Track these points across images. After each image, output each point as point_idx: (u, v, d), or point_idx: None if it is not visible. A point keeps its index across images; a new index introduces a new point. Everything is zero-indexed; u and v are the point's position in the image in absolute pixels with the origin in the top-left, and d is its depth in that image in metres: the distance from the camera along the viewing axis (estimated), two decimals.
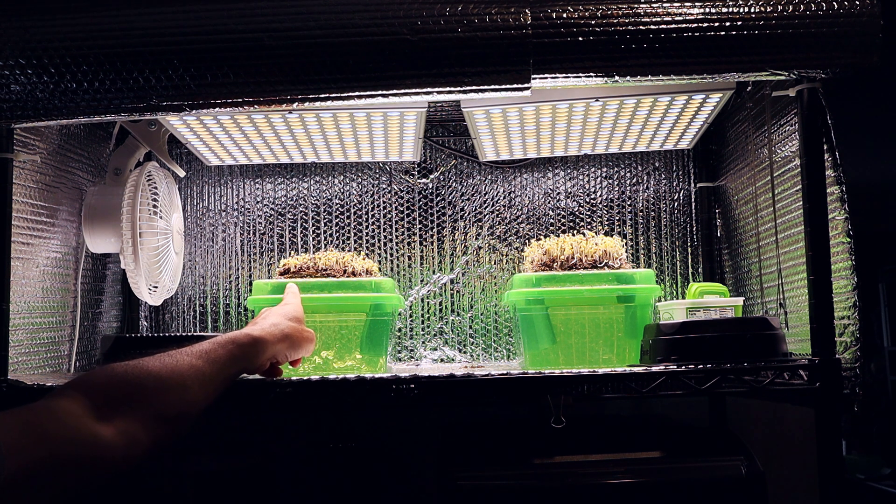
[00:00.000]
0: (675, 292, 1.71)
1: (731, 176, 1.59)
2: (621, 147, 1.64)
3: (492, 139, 1.55)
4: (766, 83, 1.31)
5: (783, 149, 1.30)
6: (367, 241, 1.73)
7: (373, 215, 1.74)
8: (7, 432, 0.72)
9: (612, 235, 1.62)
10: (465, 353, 1.71)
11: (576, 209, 1.74)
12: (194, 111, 1.11)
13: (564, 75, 1.09)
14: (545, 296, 1.33)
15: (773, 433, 1.53)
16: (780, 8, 1.06)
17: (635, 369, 1.10)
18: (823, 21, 1.05)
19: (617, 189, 1.74)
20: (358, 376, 1.10)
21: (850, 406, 1.11)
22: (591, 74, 1.09)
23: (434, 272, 1.73)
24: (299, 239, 1.74)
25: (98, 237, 1.42)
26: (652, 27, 1.06)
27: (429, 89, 1.09)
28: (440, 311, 1.72)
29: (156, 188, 1.46)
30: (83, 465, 0.78)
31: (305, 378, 1.10)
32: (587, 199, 1.74)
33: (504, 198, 1.74)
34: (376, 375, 1.11)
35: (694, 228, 1.72)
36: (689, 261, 1.72)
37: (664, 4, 1.06)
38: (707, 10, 1.06)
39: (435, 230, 1.73)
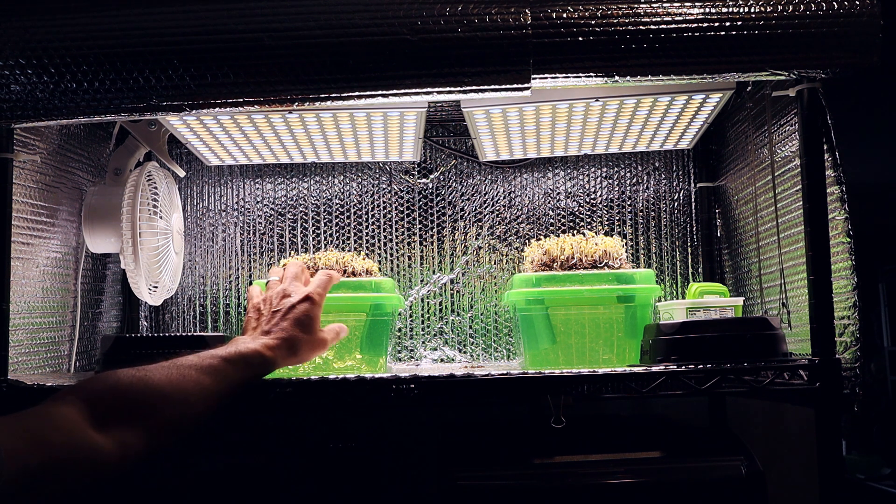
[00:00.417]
0: (675, 292, 1.71)
1: (731, 176, 1.59)
2: (621, 147, 1.64)
3: (492, 139, 1.55)
4: (766, 83, 1.31)
5: (783, 149, 1.30)
6: (367, 241, 1.73)
7: (373, 215, 1.74)
8: (7, 437, 0.72)
9: (612, 235, 1.62)
10: (465, 353, 1.71)
11: (576, 209, 1.74)
12: (194, 111, 1.11)
13: (564, 75, 1.09)
14: (545, 296, 1.33)
15: (773, 433, 1.53)
16: (780, 8, 1.06)
17: (635, 369, 1.10)
18: (823, 21, 1.05)
19: (617, 189, 1.74)
20: (358, 376, 1.10)
21: (850, 406, 1.11)
22: (591, 74, 1.09)
23: (434, 272, 1.73)
24: (299, 239, 1.74)
25: (98, 237, 1.42)
26: (652, 27, 1.06)
27: (429, 89, 1.09)
28: (440, 311, 1.72)
29: (156, 188, 1.46)
30: (79, 470, 0.79)
31: (305, 378, 1.10)
32: (587, 199, 1.74)
33: (504, 198, 1.74)
34: (376, 375, 1.11)
35: (694, 228, 1.72)
36: (689, 261, 1.72)
37: (664, 4, 1.06)
38: (707, 10, 1.06)
39: (435, 230, 1.73)
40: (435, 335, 1.71)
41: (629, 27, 1.06)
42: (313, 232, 1.74)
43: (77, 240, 1.46)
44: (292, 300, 1.12)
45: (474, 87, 1.09)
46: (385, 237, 1.73)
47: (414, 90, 1.09)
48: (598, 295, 1.32)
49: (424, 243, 1.74)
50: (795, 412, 1.45)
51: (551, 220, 1.73)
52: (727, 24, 1.06)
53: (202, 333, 1.43)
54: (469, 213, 1.74)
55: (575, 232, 1.69)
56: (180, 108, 1.10)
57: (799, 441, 1.44)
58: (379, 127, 1.46)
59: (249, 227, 1.75)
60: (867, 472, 3.87)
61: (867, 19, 1.05)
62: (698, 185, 1.71)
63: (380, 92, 1.09)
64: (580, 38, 1.06)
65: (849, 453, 4.04)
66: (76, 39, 1.06)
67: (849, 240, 1.14)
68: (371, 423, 1.61)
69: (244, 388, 1.03)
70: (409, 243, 1.74)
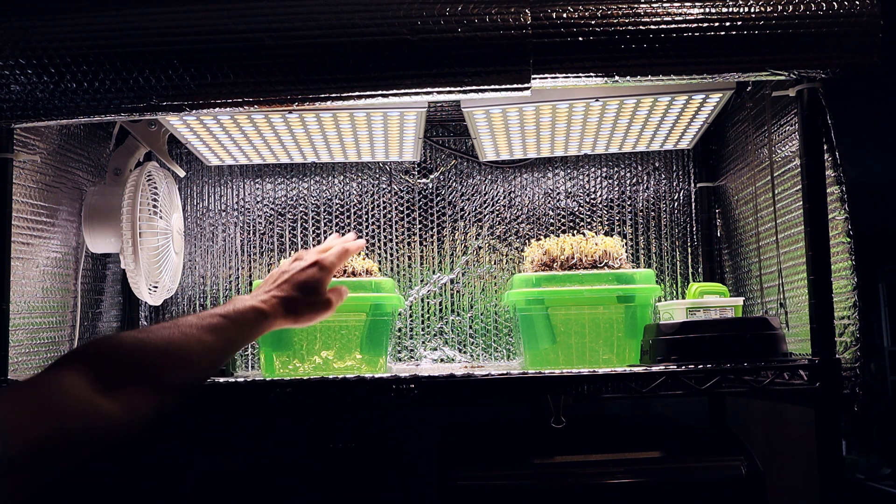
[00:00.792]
0: (675, 292, 1.71)
1: (731, 176, 1.59)
2: (621, 147, 1.64)
3: (492, 139, 1.55)
4: (766, 83, 1.31)
5: (783, 149, 1.30)
6: (367, 241, 1.73)
7: (373, 215, 1.74)
8: (10, 411, 0.72)
9: (612, 235, 1.62)
10: (465, 353, 1.71)
11: (576, 209, 1.74)
12: (194, 111, 1.11)
13: (564, 75, 1.09)
14: (545, 296, 1.33)
15: (773, 433, 1.53)
16: (780, 8, 1.06)
17: (635, 369, 1.10)
18: (823, 21, 1.05)
19: (617, 189, 1.74)
20: (358, 376, 1.10)
21: (850, 406, 1.11)
22: (591, 74, 1.09)
23: (434, 272, 1.73)
24: (299, 239, 1.74)
25: (98, 237, 1.42)
26: (652, 27, 1.06)
27: (429, 89, 1.09)
28: (440, 311, 1.72)
29: (156, 188, 1.46)
30: (88, 437, 0.78)
31: (305, 378, 1.10)
32: (587, 199, 1.74)
33: (504, 198, 1.74)
34: (376, 375, 1.11)
35: (694, 228, 1.72)
36: (689, 261, 1.72)
37: (664, 4, 1.06)
38: (707, 10, 1.06)
39: (435, 230, 1.73)
40: (435, 335, 1.71)
41: (629, 27, 1.06)
42: (313, 232, 1.74)
43: (77, 240, 1.46)
44: (301, 265, 1.11)
45: (474, 87, 1.09)
46: (385, 237, 1.73)
47: (414, 90, 1.09)
48: (598, 295, 1.32)
49: (424, 243, 1.73)
50: (795, 412, 1.45)
51: (551, 220, 1.73)
52: (727, 24, 1.06)
53: None
54: (469, 213, 1.74)
55: (575, 232, 1.69)
56: (180, 108, 1.10)
57: (799, 441, 1.44)
58: (379, 127, 1.46)
59: (249, 227, 1.75)
60: (867, 472, 3.86)
61: (867, 19, 1.05)
62: (698, 185, 1.71)
63: (380, 92, 1.09)
64: (580, 38, 1.06)
65: (849, 453, 4.03)
66: (76, 39, 1.06)
67: (849, 240, 1.14)
68: (371, 423, 1.61)
69: (244, 344, 1.02)
70: (409, 243, 1.73)
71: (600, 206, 1.74)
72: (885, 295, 4.89)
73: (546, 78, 1.09)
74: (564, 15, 1.06)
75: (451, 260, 1.73)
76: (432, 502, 1.19)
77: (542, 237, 1.70)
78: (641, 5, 1.06)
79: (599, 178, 1.74)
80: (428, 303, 1.72)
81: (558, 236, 1.45)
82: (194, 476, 1.30)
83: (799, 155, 1.14)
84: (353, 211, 1.74)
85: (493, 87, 1.09)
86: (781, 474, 1.41)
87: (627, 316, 1.33)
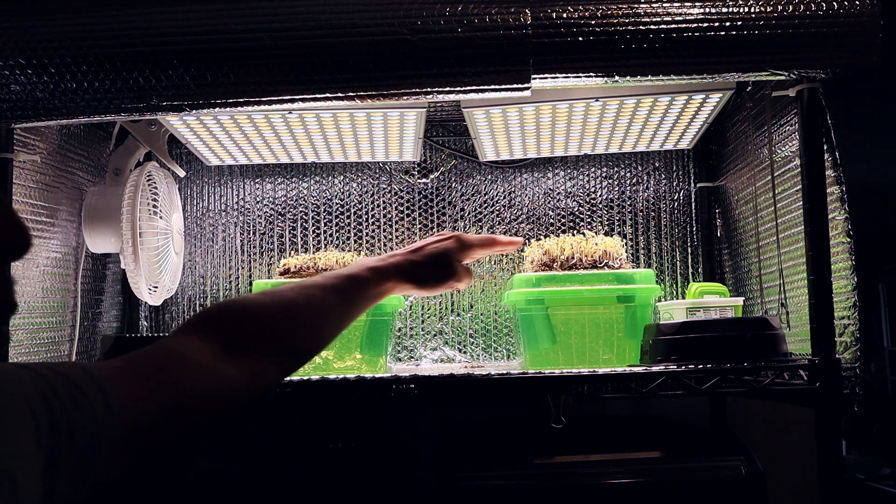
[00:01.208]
0: (675, 292, 1.71)
1: (731, 176, 1.59)
2: (621, 147, 1.64)
3: (492, 139, 1.55)
4: (766, 83, 1.31)
5: (783, 149, 1.30)
6: (367, 241, 1.73)
7: (373, 215, 1.74)
8: (128, 378, 0.69)
9: (612, 235, 1.62)
10: (465, 353, 1.71)
11: (576, 209, 1.74)
12: (194, 111, 1.11)
13: (564, 75, 1.09)
14: (545, 296, 1.33)
15: (773, 433, 1.53)
16: (780, 8, 1.06)
17: (635, 369, 1.10)
18: (823, 21, 1.05)
19: (617, 189, 1.74)
20: (358, 376, 1.10)
21: (850, 406, 1.11)
22: (591, 74, 1.09)
23: None
24: (299, 239, 1.74)
25: (98, 237, 1.42)
26: (652, 27, 1.06)
27: (429, 89, 1.09)
28: (440, 311, 1.72)
29: (156, 188, 1.46)
30: (210, 404, 0.76)
31: (305, 378, 1.10)
32: (587, 199, 1.74)
33: (504, 198, 1.74)
34: (376, 375, 1.11)
35: (694, 228, 1.72)
36: (689, 261, 1.72)
37: (664, 4, 1.06)
38: (707, 10, 1.06)
39: (435, 230, 1.73)
40: (435, 335, 1.71)
41: (629, 27, 1.06)
42: (313, 232, 1.74)
43: (77, 240, 1.46)
44: (440, 236, 1.08)
45: (474, 87, 1.09)
46: (385, 237, 1.73)
47: (414, 90, 1.09)
48: (598, 295, 1.32)
49: None
50: (795, 412, 1.45)
51: (551, 220, 1.73)
52: (727, 24, 1.06)
53: None
54: (469, 213, 1.74)
55: (575, 232, 1.69)
56: (180, 108, 1.10)
57: (799, 441, 1.44)
58: (379, 127, 1.46)
59: (249, 227, 1.75)
60: (867, 472, 3.87)
61: (867, 19, 1.05)
62: (698, 185, 1.71)
63: (380, 92, 1.09)
64: (580, 38, 1.06)
65: (849, 453, 4.03)
66: (76, 39, 1.06)
67: (849, 240, 1.14)
68: (371, 423, 1.61)
69: (367, 306, 0.99)
70: (409, 243, 1.73)
71: (600, 206, 1.74)
72: (885, 295, 4.89)
73: (546, 78, 1.09)
74: (564, 15, 1.06)
75: None
76: (432, 502, 1.19)
77: (542, 237, 1.70)
78: (641, 5, 1.06)
79: (599, 178, 1.74)
80: (428, 303, 1.72)
81: (558, 236, 1.45)
82: (194, 476, 1.30)
83: (799, 155, 1.14)
84: (353, 211, 1.74)
85: (492, 87, 1.09)
86: (781, 474, 1.41)
87: (627, 316, 1.33)
